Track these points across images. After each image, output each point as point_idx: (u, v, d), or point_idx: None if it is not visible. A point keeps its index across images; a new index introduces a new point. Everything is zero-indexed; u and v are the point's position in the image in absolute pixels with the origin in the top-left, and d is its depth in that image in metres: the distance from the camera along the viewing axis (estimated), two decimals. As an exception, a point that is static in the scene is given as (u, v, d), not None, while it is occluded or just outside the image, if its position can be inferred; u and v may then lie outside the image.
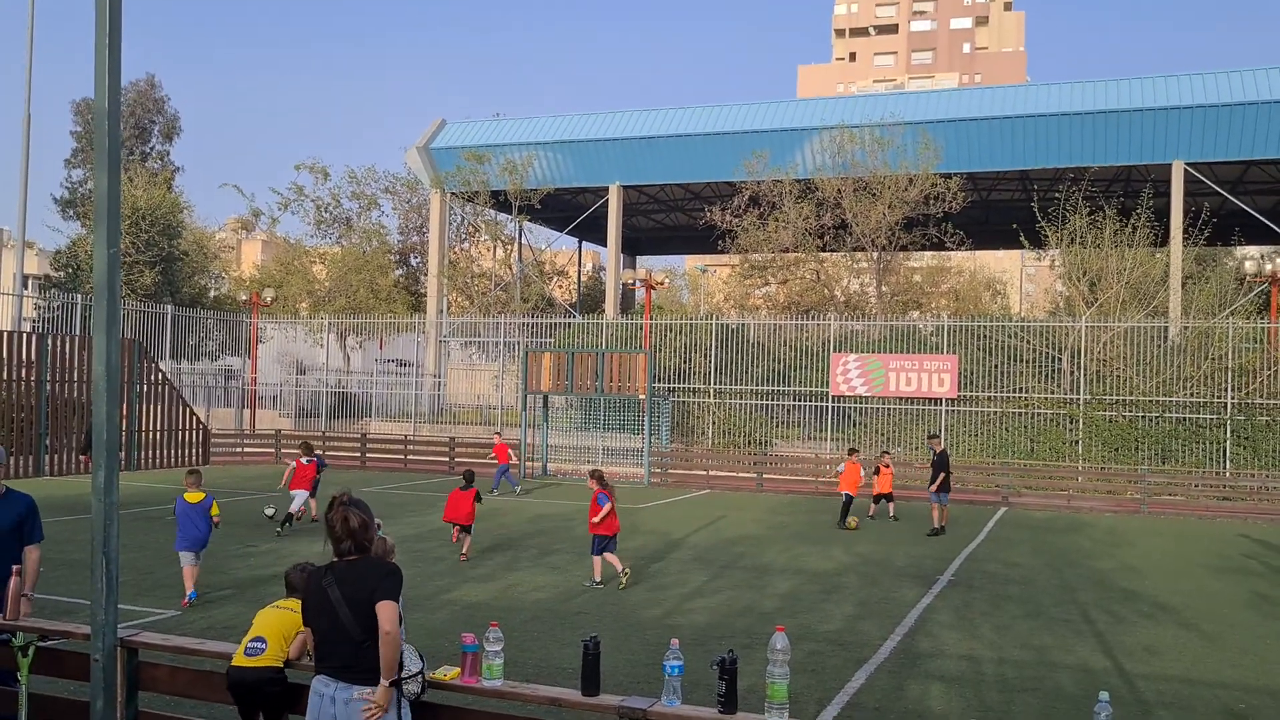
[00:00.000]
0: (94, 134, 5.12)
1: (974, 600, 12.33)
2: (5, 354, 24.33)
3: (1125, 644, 10.23)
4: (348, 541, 4.49)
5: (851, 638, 10.17)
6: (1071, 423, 27.94)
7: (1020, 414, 28.38)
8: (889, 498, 20.70)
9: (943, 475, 19.10)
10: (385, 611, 4.38)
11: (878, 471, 20.72)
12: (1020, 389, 28.57)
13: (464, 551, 14.47)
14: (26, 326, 31.19)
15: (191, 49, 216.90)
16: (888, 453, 22.01)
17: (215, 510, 11.46)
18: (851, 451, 20.84)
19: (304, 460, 17.52)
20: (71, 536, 15.43)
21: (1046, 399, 28.24)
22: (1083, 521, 21.62)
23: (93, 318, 5.23)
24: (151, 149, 54.29)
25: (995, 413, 28.57)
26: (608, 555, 12.65)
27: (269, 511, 17.22)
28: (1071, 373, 28.44)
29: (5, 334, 24.92)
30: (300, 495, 17.16)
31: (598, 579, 12.60)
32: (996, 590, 13.04)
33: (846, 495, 19.43)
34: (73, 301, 31.67)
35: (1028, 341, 29.02)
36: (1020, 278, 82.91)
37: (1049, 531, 19.64)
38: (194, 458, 29.23)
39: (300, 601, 5.29)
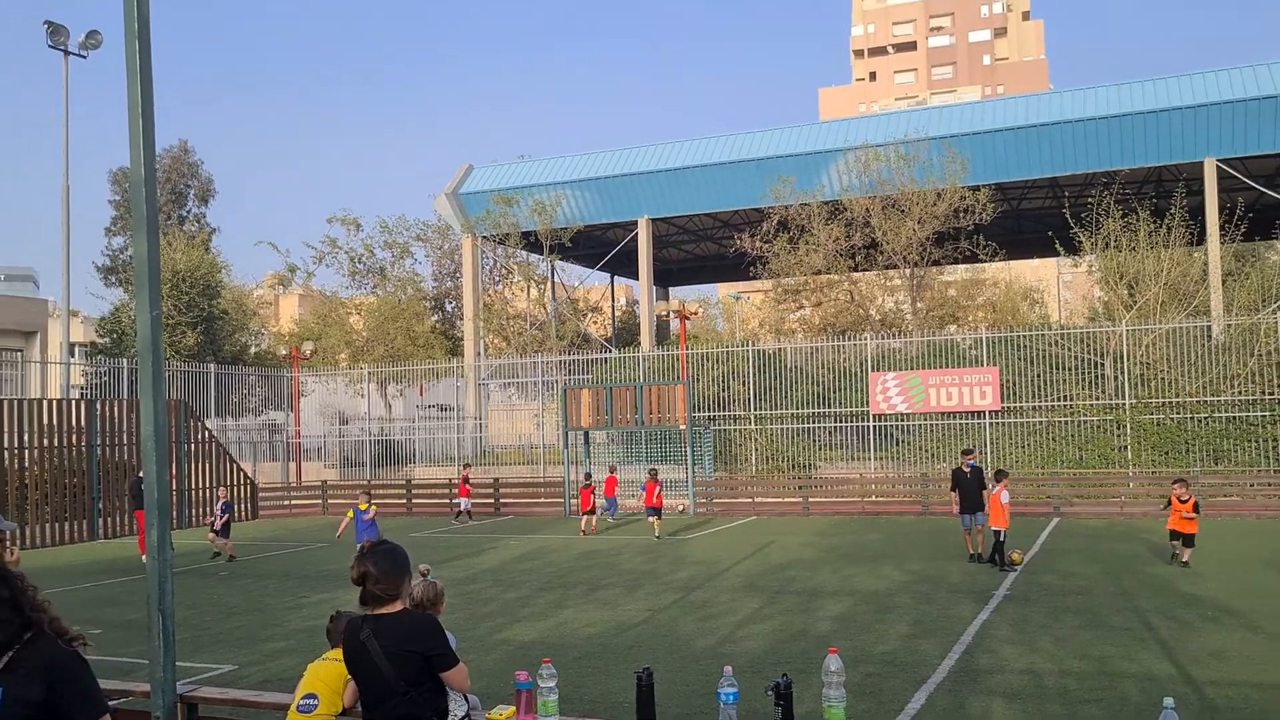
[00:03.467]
0: (132, 201, 5.25)
1: (1032, 613, 12.15)
2: (57, 420, 24.82)
3: (1190, 650, 10.03)
4: (367, 593, 4.49)
5: (909, 658, 10.05)
6: (1119, 428, 27.55)
7: (1066, 422, 28.03)
8: (1186, 538, 15.79)
9: (975, 494, 17.02)
10: (458, 679, 4.46)
11: (1169, 504, 16.39)
12: (1064, 397, 28.24)
13: (587, 529, 23.08)
14: (75, 393, 31.79)
15: (219, 108, 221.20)
16: (1183, 480, 16.82)
17: (371, 509, 17.69)
18: (999, 475, 16.87)
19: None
20: (126, 598, 15.62)
21: (1092, 406, 27.88)
22: (1137, 528, 21.26)
23: (139, 380, 5.34)
24: (188, 212, 55.31)
25: (1041, 422, 28.25)
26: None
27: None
28: (1115, 378, 28.09)
29: (56, 401, 25.44)
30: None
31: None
32: (1054, 602, 12.85)
33: (998, 531, 16.19)
34: (119, 366, 32.23)
35: (1069, 349, 28.72)
36: (1057, 285, 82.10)
37: (1104, 539, 19.33)
38: (243, 512, 29.55)
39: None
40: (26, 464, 24.15)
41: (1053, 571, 15.46)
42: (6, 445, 23.71)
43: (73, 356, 33.55)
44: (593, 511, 23.43)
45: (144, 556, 17.81)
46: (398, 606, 4.50)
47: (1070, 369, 28.49)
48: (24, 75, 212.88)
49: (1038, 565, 16.23)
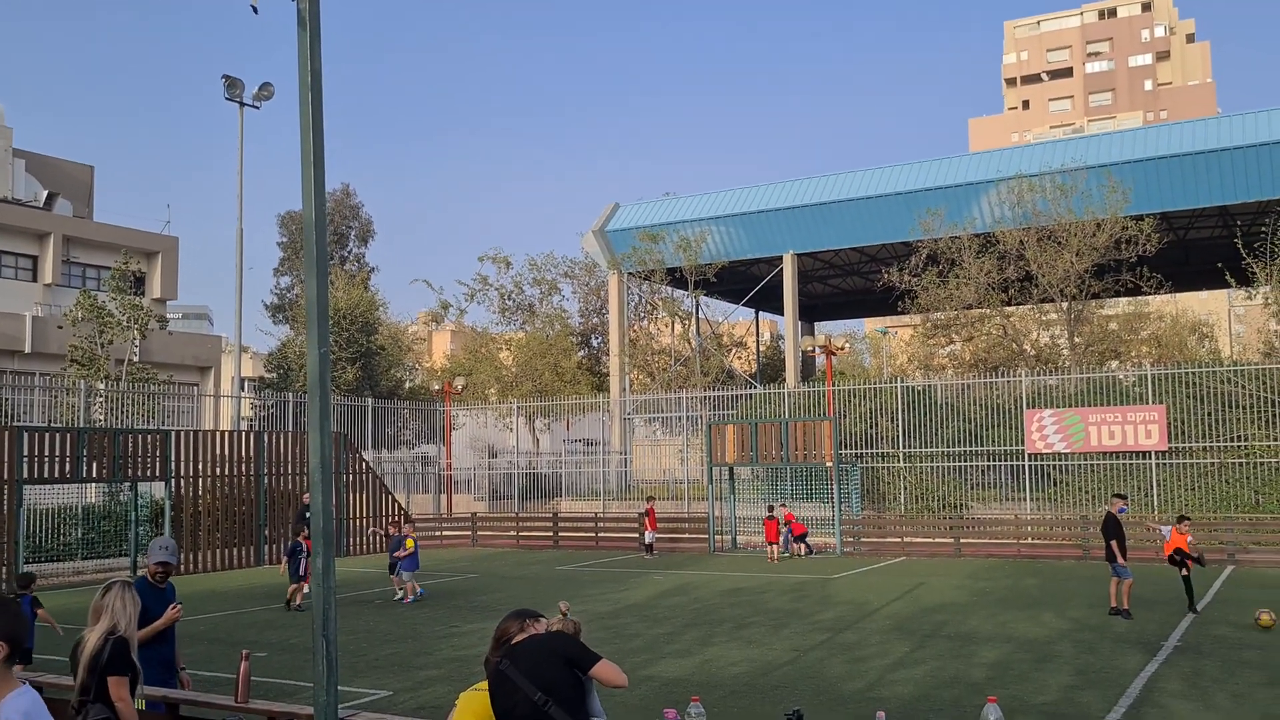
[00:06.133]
0: (303, 245, 5.54)
1: (1205, 667, 11.45)
2: (228, 451, 26.19)
3: (1386, 713, 9.26)
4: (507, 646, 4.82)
5: (1070, 710, 9.60)
6: (1301, 471, 25.81)
7: (1241, 464, 26.43)
8: None
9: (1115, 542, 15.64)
10: (608, 673, 4.59)
11: None
12: (1238, 437, 26.64)
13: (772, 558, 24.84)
14: (244, 425, 33.48)
15: (376, 150, 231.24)
16: None
17: (411, 544, 18.97)
18: (1181, 519, 16.44)
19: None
20: (290, 623, 16.28)
21: (1270, 447, 26.22)
22: (1324, 578, 19.82)
23: (307, 414, 5.60)
24: (349, 252, 57.83)
25: (1212, 464, 26.71)
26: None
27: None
28: (1296, 417, 26.35)
29: (227, 433, 26.86)
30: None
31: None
32: (1230, 655, 12.07)
33: (1182, 565, 15.73)
34: (284, 399, 33.83)
35: (1243, 386, 27.11)
36: (1229, 319, 77.74)
37: (1285, 590, 18.09)
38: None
39: None
40: (200, 492, 25.55)
41: (1228, 623, 14.54)
42: (183, 474, 25.15)
43: (242, 390, 35.37)
44: (776, 542, 25.30)
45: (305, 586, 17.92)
46: (525, 635, 4.74)
47: (1245, 407, 26.87)
48: (200, 123, 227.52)
49: (1212, 615, 15.29)
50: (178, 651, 7.51)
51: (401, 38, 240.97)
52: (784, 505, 27.96)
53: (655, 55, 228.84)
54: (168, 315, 43.26)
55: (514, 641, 4.75)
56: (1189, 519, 16.70)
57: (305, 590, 17.20)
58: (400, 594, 18.80)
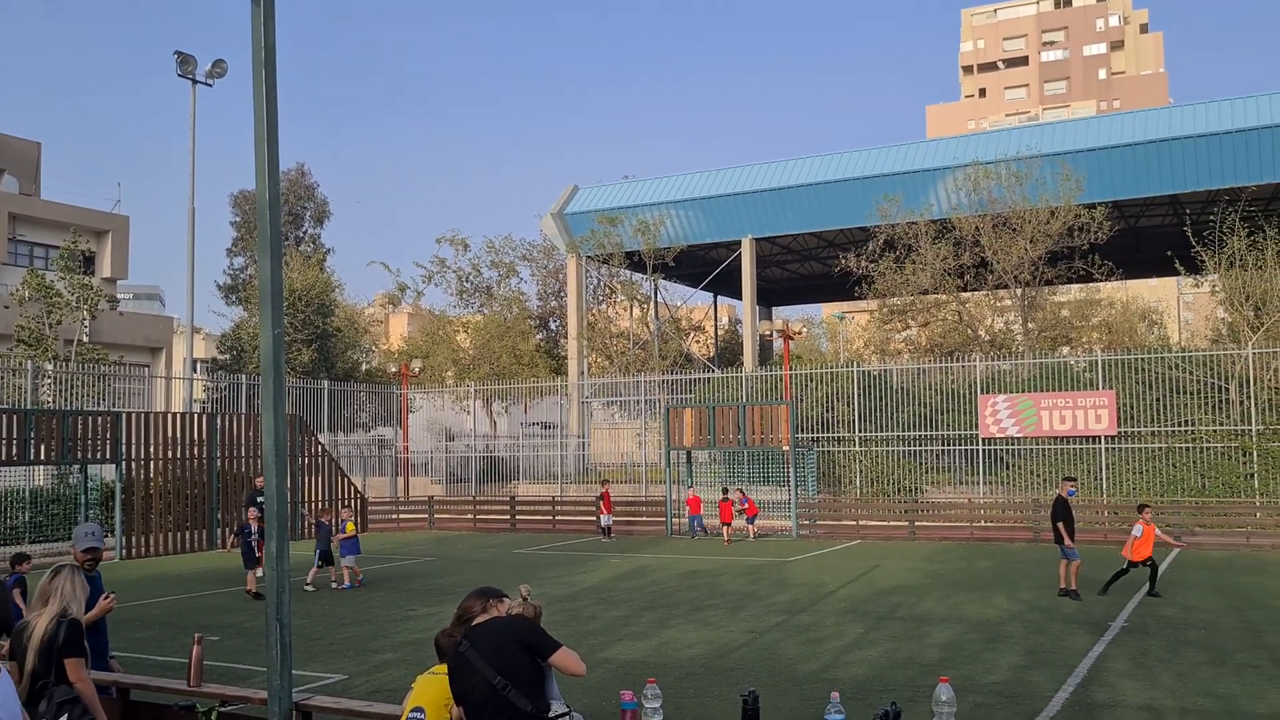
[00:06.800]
0: (257, 225, 5.47)
1: (1151, 647, 11.69)
2: (180, 433, 25.85)
3: (1324, 691, 9.51)
4: (468, 627, 4.86)
5: (1020, 689, 9.76)
6: (1245, 455, 26.36)
7: (1188, 448, 26.95)
8: None
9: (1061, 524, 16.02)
10: (566, 660, 4.61)
11: None
12: (1186, 422, 27.15)
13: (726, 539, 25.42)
14: (197, 407, 33.04)
15: (333, 131, 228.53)
16: None
17: (351, 529, 18.78)
18: (1142, 508, 16.49)
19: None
20: (245, 606, 16.14)
21: (1216, 431, 26.75)
22: (1266, 560, 20.30)
23: (261, 396, 5.53)
24: (304, 233, 57.06)
25: (1160, 448, 27.22)
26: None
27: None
28: (1241, 403, 26.90)
29: (179, 415, 26.50)
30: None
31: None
32: (1175, 636, 12.34)
33: (1130, 564, 15.73)
34: (238, 381, 33.41)
35: (1190, 372, 27.62)
36: (1178, 306, 79.12)
37: (1229, 572, 18.51)
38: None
39: None
40: (151, 475, 25.20)
41: (1174, 604, 14.85)
42: (134, 456, 24.78)
43: (195, 372, 34.89)
44: (730, 524, 25.88)
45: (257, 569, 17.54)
46: (487, 617, 4.73)
47: (1192, 393, 27.39)
48: (152, 101, 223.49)
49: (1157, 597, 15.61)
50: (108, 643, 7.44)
51: (360, 20, 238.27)
52: (692, 488, 28.39)
53: (615, 39, 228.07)
54: (118, 295, 42.58)
55: (475, 622, 4.74)
56: (1149, 506, 16.82)
57: (259, 574, 16.85)
58: (349, 582, 18.38)
